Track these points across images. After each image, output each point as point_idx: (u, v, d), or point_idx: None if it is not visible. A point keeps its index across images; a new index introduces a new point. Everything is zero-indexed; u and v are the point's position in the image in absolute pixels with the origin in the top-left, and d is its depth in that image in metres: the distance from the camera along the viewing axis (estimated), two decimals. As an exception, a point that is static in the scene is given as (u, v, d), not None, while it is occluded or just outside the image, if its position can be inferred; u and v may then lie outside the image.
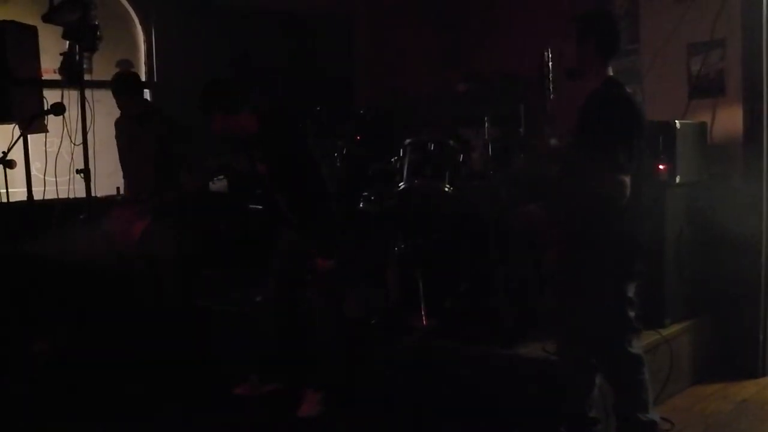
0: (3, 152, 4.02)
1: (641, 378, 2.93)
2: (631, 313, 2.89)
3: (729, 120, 4.16)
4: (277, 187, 3.82)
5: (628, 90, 2.90)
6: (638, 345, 2.98)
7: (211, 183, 5.36)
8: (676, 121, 3.90)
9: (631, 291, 2.89)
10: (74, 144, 4.72)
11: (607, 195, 2.73)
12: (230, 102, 3.66)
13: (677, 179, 3.86)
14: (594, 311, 2.86)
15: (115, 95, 4.55)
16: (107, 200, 4.89)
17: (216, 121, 3.66)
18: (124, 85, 4.56)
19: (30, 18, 4.62)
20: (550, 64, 3.40)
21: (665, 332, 3.78)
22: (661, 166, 3.87)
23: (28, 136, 4.29)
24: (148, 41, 5.76)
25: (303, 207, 3.72)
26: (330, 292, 3.80)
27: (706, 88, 4.26)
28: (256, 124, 3.72)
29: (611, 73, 2.91)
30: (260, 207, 4.41)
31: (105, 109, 4.83)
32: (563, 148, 2.95)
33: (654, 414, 2.97)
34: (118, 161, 4.82)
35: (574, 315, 2.92)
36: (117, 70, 5.01)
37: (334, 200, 3.87)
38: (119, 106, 4.60)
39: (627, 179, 2.70)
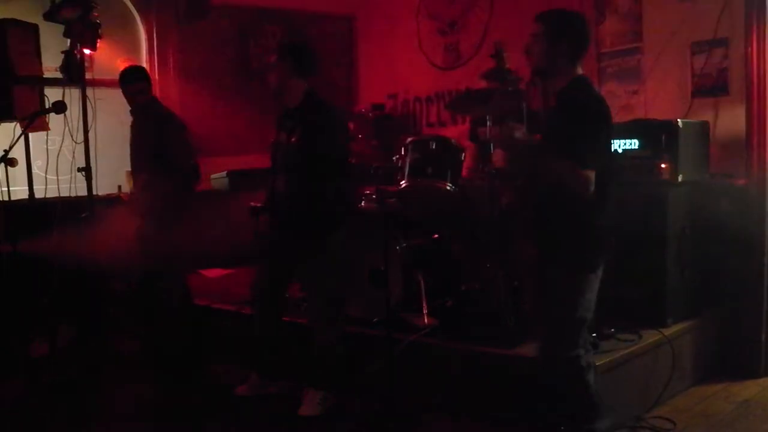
0: (5, 150, 4.02)
1: (584, 387, 2.90)
2: (585, 316, 2.88)
3: (731, 119, 4.15)
4: (290, 164, 3.73)
5: (596, 89, 2.93)
6: (588, 355, 2.98)
7: (212, 181, 5.36)
8: (679, 119, 3.89)
9: (589, 292, 2.88)
10: (75, 142, 4.71)
11: (570, 189, 2.75)
12: (299, 61, 3.69)
13: (679, 178, 3.85)
14: (547, 307, 2.90)
15: (128, 83, 4.52)
16: (109, 199, 4.89)
17: (278, 68, 3.69)
18: (138, 73, 4.54)
19: (31, 16, 4.62)
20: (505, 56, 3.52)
21: (667, 332, 3.77)
22: (663, 165, 3.86)
23: (30, 134, 4.29)
24: (149, 40, 5.76)
25: (307, 189, 3.67)
26: (329, 293, 3.79)
27: (709, 87, 4.25)
28: (300, 97, 3.72)
29: (581, 72, 2.92)
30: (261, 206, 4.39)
31: (106, 108, 4.83)
32: (527, 142, 2.93)
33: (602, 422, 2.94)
34: (119, 159, 4.82)
35: (542, 314, 2.97)
36: (118, 69, 4.99)
37: (346, 202, 3.83)
38: (129, 96, 4.56)
39: (591, 174, 2.71)
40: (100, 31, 4.67)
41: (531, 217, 3.01)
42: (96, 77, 4.81)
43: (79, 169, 4.74)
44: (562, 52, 2.86)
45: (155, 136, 4.41)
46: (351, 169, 3.80)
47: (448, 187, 4.06)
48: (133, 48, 5.72)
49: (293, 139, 3.67)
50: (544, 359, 3.01)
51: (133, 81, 4.52)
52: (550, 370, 2.96)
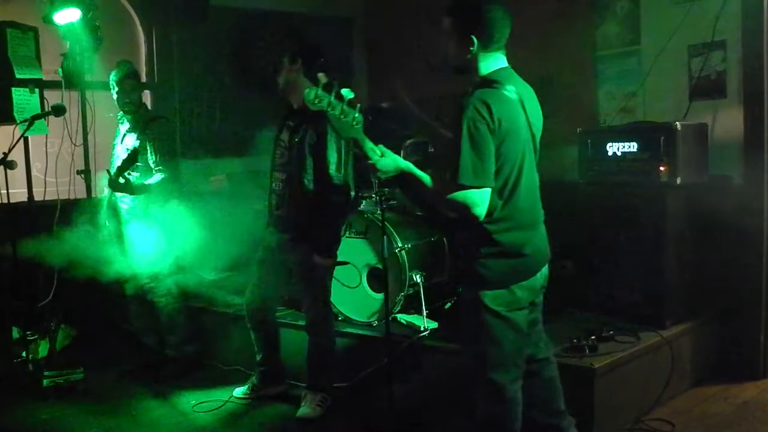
0: (4, 153, 4.02)
1: (498, 413, 2.59)
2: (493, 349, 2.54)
3: (730, 121, 4.16)
4: (289, 163, 3.73)
5: (504, 91, 2.50)
6: (515, 385, 2.60)
7: (210, 182, 5.37)
8: (677, 122, 3.90)
9: (523, 317, 2.56)
10: (75, 145, 4.72)
11: (450, 212, 2.49)
12: (309, 63, 3.70)
13: (678, 180, 3.86)
14: (465, 335, 2.64)
15: (125, 79, 4.51)
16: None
17: (288, 72, 3.70)
18: (132, 71, 4.55)
19: (31, 19, 4.62)
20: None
21: (666, 333, 3.77)
22: (661, 168, 3.87)
23: (29, 136, 4.29)
24: (148, 42, 5.76)
25: (306, 189, 3.66)
26: (325, 294, 3.79)
27: (707, 90, 4.26)
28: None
29: (504, 65, 2.57)
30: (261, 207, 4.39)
31: (105, 110, 4.83)
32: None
33: None
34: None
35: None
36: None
37: (347, 203, 3.82)
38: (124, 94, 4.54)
39: (474, 193, 2.40)
40: (99, 33, 4.68)
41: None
42: (95, 80, 4.81)
43: (78, 172, 4.76)
44: (467, 47, 2.51)
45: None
46: (348, 171, 3.78)
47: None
48: (133, 50, 5.72)
49: (296, 139, 3.68)
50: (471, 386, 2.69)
51: (128, 78, 4.53)
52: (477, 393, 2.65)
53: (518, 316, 2.57)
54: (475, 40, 2.51)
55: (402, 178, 2.57)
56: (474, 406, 2.65)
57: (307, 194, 3.65)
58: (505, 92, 2.50)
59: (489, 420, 2.61)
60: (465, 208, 2.44)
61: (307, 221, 3.66)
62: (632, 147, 4.01)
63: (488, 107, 2.42)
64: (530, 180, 2.61)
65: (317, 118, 3.67)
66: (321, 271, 3.72)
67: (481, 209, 2.43)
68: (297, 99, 3.75)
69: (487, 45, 2.53)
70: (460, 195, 2.42)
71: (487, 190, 2.44)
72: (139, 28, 5.76)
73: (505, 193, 2.52)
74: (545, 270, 2.71)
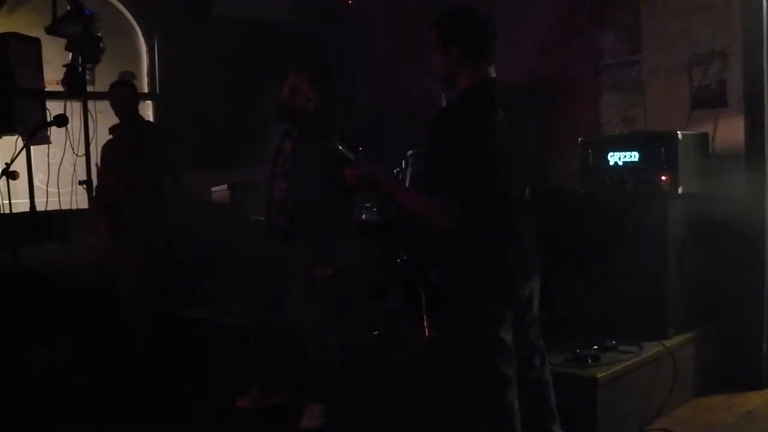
0: (6, 163, 4.03)
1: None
2: (503, 362, 2.51)
3: (731, 131, 4.16)
4: (291, 172, 3.73)
5: (488, 99, 2.49)
6: (511, 396, 2.54)
7: (213, 192, 5.37)
8: (678, 131, 3.90)
9: (504, 331, 2.51)
10: (77, 155, 4.74)
11: (425, 221, 2.53)
12: (316, 75, 3.72)
13: (679, 190, 3.86)
14: (457, 356, 2.63)
15: (122, 87, 4.54)
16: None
17: (295, 81, 3.70)
18: (128, 82, 4.58)
19: (34, 30, 4.64)
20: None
21: (669, 343, 3.76)
22: (663, 177, 3.87)
23: (31, 147, 4.30)
24: (150, 53, 5.78)
25: (302, 196, 3.68)
26: (327, 304, 3.79)
27: (708, 99, 4.26)
28: (312, 107, 3.73)
29: (492, 74, 2.55)
30: (262, 218, 4.40)
31: (107, 121, 4.84)
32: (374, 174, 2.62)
33: None
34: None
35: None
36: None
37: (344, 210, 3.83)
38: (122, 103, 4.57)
39: (452, 204, 2.38)
40: (102, 44, 4.71)
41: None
42: (97, 90, 4.84)
43: (80, 182, 4.77)
44: (455, 57, 2.50)
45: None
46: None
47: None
48: (135, 61, 5.75)
49: (298, 149, 3.70)
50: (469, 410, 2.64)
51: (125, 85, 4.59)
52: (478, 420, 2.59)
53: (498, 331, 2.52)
54: (458, 51, 2.50)
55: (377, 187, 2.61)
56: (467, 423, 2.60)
57: (309, 203, 3.65)
58: (487, 104, 2.47)
59: None
60: (437, 217, 2.42)
61: (309, 230, 3.66)
62: (633, 156, 4.02)
63: (468, 118, 2.42)
64: (511, 190, 2.55)
65: (320, 128, 3.69)
66: (322, 279, 3.71)
67: (454, 219, 2.40)
68: (297, 103, 3.75)
69: (470, 57, 2.51)
70: (433, 204, 2.42)
71: (458, 201, 2.39)
72: (141, 39, 5.79)
73: (480, 203, 2.46)
74: (532, 283, 2.64)
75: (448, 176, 2.39)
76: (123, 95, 4.57)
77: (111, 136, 4.64)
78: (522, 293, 2.60)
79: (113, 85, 4.63)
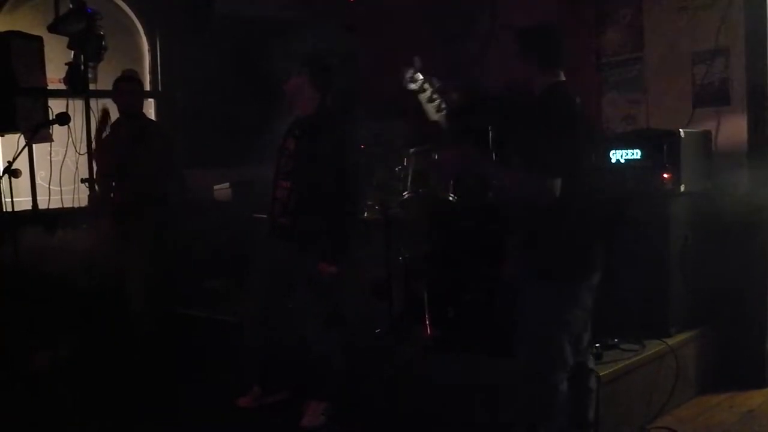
0: (8, 161, 4.04)
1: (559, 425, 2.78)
2: (567, 345, 2.75)
3: (733, 128, 4.15)
4: (294, 171, 3.73)
5: (570, 95, 2.86)
6: (562, 378, 2.79)
7: (214, 190, 5.38)
8: (681, 129, 3.90)
9: (570, 314, 2.76)
10: (79, 153, 4.74)
11: (530, 198, 2.70)
12: (316, 74, 3.71)
13: (682, 188, 3.85)
14: (525, 333, 2.77)
15: (131, 82, 4.54)
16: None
17: (298, 80, 3.71)
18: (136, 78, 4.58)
19: (36, 28, 4.65)
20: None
21: (671, 341, 3.76)
22: (665, 175, 3.86)
23: (33, 145, 4.31)
24: (152, 51, 5.78)
25: (310, 198, 3.66)
26: (330, 303, 3.79)
27: (710, 97, 4.26)
28: (314, 107, 3.72)
29: (562, 78, 2.88)
30: (264, 216, 4.40)
31: (110, 119, 4.85)
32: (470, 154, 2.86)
33: None
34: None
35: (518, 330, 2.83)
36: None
37: (355, 207, 3.82)
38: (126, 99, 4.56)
39: (555, 182, 2.63)
40: (104, 43, 4.70)
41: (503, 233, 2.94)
42: (99, 89, 4.84)
43: (82, 180, 4.77)
44: (533, 64, 2.86)
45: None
46: (355, 180, 3.78)
47: (451, 198, 4.06)
48: (137, 60, 5.75)
49: (302, 147, 3.69)
50: (522, 378, 2.87)
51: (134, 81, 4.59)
52: (533, 399, 2.81)
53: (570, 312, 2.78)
54: (536, 58, 2.85)
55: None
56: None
57: (312, 202, 3.65)
58: (572, 98, 2.83)
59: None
60: (542, 193, 2.62)
61: (313, 229, 3.66)
62: (636, 154, 4.01)
63: (568, 105, 2.78)
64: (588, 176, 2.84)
65: (324, 127, 3.69)
66: (326, 278, 3.71)
67: (554, 196, 2.63)
68: (303, 109, 3.76)
69: (548, 62, 2.87)
70: (538, 181, 2.63)
71: (558, 179, 2.63)
72: (143, 37, 5.79)
73: (574, 183, 2.70)
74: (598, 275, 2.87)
75: (550, 157, 2.64)
76: (131, 90, 4.57)
77: (109, 131, 4.64)
78: (594, 281, 2.83)
79: (121, 80, 4.62)
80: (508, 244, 2.99)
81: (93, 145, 4.69)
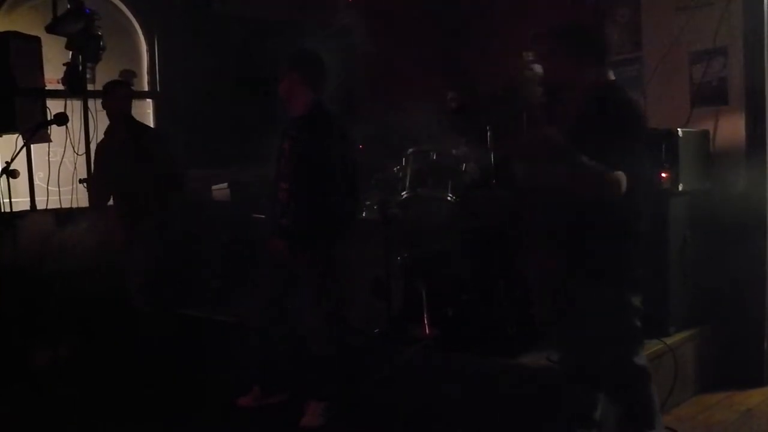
0: (6, 162, 4.03)
1: (648, 392, 2.88)
2: (638, 323, 2.84)
3: (731, 128, 4.15)
4: (290, 171, 3.73)
5: (630, 94, 2.90)
6: (643, 356, 2.93)
7: (213, 191, 5.37)
8: (679, 129, 3.90)
9: (636, 299, 2.84)
10: (77, 154, 4.74)
11: (601, 194, 2.69)
12: (309, 72, 3.72)
13: (680, 187, 3.86)
14: (599, 322, 2.81)
15: (126, 87, 4.55)
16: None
17: (288, 81, 3.71)
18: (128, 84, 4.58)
19: (34, 29, 4.64)
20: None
21: (670, 341, 3.76)
22: (663, 174, 3.87)
23: (32, 145, 4.31)
24: (150, 51, 5.78)
25: (306, 198, 3.66)
26: (329, 303, 3.79)
27: (709, 96, 4.26)
28: (308, 107, 3.72)
29: (612, 77, 2.88)
30: (263, 216, 4.41)
31: (108, 120, 4.85)
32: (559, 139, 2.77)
33: (660, 429, 2.92)
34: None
35: (577, 326, 2.87)
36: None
37: (351, 211, 3.83)
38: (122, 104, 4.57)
39: (623, 177, 2.63)
40: (102, 43, 4.70)
41: (553, 227, 2.90)
42: (98, 89, 4.83)
43: (80, 181, 4.77)
44: (573, 63, 2.85)
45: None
46: (352, 180, 3.78)
47: (449, 198, 4.07)
48: (135, 60, 5.74)
49: (297, 148, 3.69)
50: (611, 372, 2.91)
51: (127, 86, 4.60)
52: (620, 380, 2.90)
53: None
54: (594, 55, 2.86)
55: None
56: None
57: (310, 203, 3.65)
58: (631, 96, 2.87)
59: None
60: (615, 185, 2.62)
61: (311, 229, 3.66)
62: (634, 154, 4.01)
63: (632, 102, 2.84)
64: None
65: (314, 127, 3.68)
66: (324, 278, 3.71)
67: (623, 188, 2.63)
68: (297, 108, 3.76)
69: (599, 62, 2.87)
70: (619, 178, 2.62)
71: (627, 171, 2.64)
72: (142, 37, 5.79)
73: (639, 177, 2.73)
74: None
75: (621, 151, 2.63)
76: (124, 95, 4.57)
77: (103, 137, 4.64)
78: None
79: (113, 85, 4.62)
80: (546, 239, 2.98)
81: (91, 146, 4.71)
